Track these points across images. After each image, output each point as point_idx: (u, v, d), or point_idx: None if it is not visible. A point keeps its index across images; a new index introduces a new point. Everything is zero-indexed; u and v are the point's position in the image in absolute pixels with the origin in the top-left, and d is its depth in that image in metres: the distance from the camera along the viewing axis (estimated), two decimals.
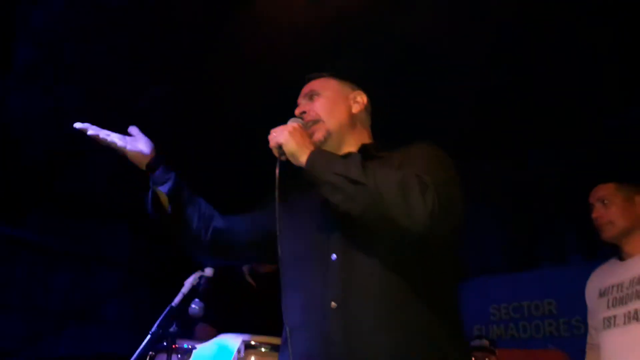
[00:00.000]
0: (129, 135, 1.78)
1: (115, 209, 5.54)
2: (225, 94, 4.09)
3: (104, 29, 3.67)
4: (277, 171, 1.57)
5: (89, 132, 1.69)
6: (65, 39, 3.66)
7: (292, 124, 1.65)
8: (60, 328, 5.53)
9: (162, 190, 1.73)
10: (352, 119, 1.79)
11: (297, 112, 1.77)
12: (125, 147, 1.72)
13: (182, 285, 2.14)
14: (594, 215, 2.50)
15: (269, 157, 1.64)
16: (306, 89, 1.84)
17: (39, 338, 5.36)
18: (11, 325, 5.20)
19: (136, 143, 1.75)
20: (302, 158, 1.55)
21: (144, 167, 1.76)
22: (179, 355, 2.03)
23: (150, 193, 1.75)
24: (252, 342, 1.86)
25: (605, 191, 2.48)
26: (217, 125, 4.45)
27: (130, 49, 3.76)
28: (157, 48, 3.76)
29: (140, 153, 1.74)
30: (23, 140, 4.57)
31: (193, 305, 2.03)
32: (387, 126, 1.93)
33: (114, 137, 1.72)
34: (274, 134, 1.61)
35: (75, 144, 4.68)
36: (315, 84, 1.83)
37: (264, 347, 1.86)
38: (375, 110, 1.88)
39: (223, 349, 1.86)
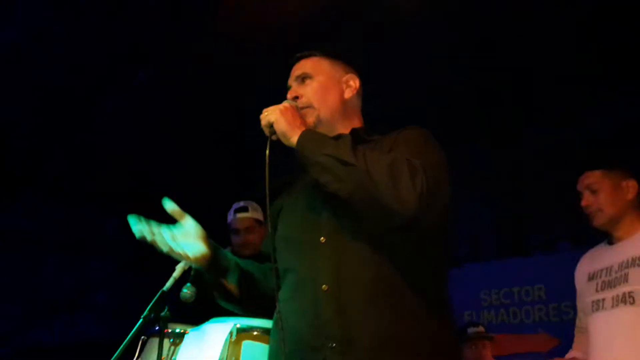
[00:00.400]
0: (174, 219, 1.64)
1: (105, 196, 5.52)
2: (219, 76, 4.08)
3: (92, 11, 3.65)
4: (267, 151, 1.56)
5: (149, 239, 1.58)
6: (53, 19, 3.62)
7: (284, 103, 1.64)
8: (51, 316, 5.52)
9: (230, 280, 1.69)
10: (344, 105, 1.78)
11: (289, 96, 1.75)
12: (187, 255, 1.62)
13: (173, 271, 2.14)
14: (583, 203, 2.50)
15: (261, 139, 1.63)
16: (297, 70, 1.81)
17: (30, 326, 5.35)
18: (1, 314, 5.19)
19: (190, 239, 1.63)
20: (293, 138, 1.54)
21: (205, 266, 1.66)
22: (171, 339, 2.04)
23: (217, 286, 1.70)
24: (244, 325, 1.87)
25: (592, 179, 2.48)
26: (210, 107, 4.44)
27: (120, 30, 3.73)
28: (148, 29, 3.73)
29: (202, 256, 1.63)
30: (11, 125, 4.54)
31: (185, 290, 2.03)
32: (374, 109, 1.92)
33: (172, 246, 1.60)
34: (266, 112, 1.60)
35: (64, 129, 4.67)
36: (307, 65, 1.80)
37: (256, 330, 1.87)
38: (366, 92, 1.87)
39: (215, 332, 1.87)
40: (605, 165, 2.50)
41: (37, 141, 4.75)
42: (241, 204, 3.32)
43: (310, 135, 1.56)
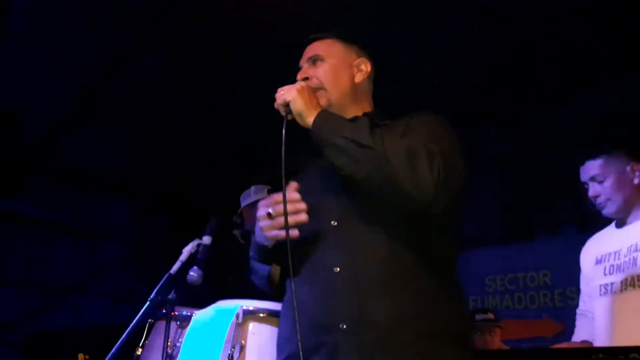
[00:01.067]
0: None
1: (114, 182, 5.54)
2: (223, 60, 4.06)
3: (93, 10, 3.64)
4: (283, 131, 1.52)
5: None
6: (60, 6, 3.62)
7: (300, 83, 1.61)
8: (60, 301, 5.57)
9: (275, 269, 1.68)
10: (354, 89, 1.76)
11: (299, 77, 1.73)
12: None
13: (179, 254, 2.14)
14: (590, 194, 2.43)
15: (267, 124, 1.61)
16: (310, 51, 1.79)
17: (40, 311, 5.39)
18: (12, 299, 5.23)
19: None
20: (309, 119, 1.52)
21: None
22: (178, 322, 2.04)
23: (269, 271, 1.68)
24: (251, 308, 1.87)
25: (596, 169, 2.42)
26: (214, 93, 4.43)
27: (128, 17, 3.72)
28: (155, 15, 3.72)
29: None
30: (22, 113, 4.55)
31: (192, 273, 2.04)
32: (385, 92, 1.90)
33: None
34: (281, 91, 1.57)
35: (75, 117, 4.68)
36: (320, 47, 1.78)
37: (262, 312, 1.87)
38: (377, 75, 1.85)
39: (221, 314, 1.87)
40: (605, 152, 2.44)
41: (48, 130, 4.76)
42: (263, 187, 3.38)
43: (327, 116, 1.54)
